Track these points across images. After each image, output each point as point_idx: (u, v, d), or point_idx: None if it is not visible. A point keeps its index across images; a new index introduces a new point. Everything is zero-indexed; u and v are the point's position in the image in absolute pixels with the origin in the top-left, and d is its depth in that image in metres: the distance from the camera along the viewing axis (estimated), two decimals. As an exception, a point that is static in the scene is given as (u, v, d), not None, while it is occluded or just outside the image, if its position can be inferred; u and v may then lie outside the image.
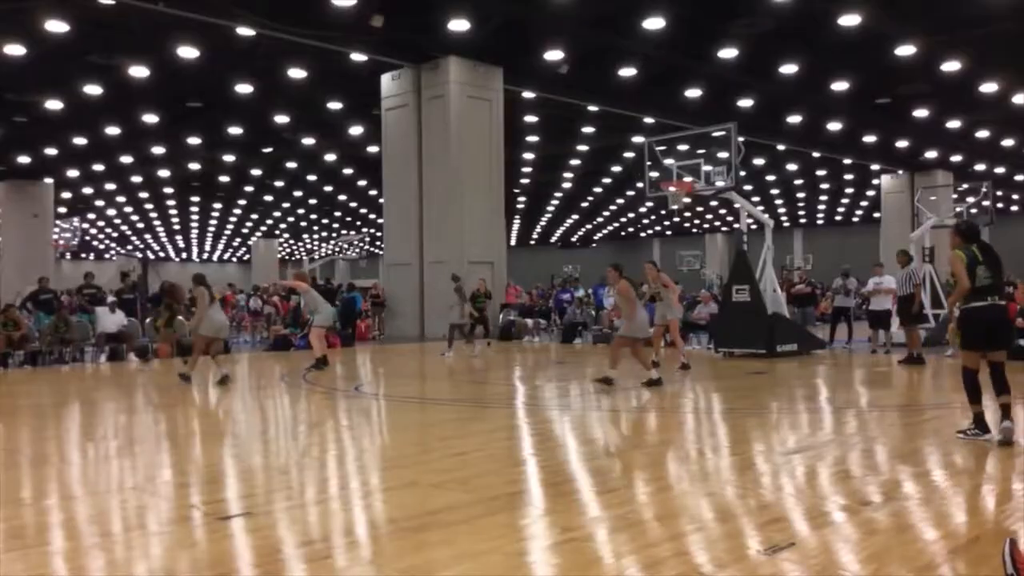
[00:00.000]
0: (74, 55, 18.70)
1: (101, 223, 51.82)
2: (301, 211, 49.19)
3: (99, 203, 43.50)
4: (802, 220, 57.34)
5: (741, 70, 21.29)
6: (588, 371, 12.67)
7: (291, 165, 33.64)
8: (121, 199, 42.41)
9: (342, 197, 43.26)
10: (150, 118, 24.60)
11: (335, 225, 56.70)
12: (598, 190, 42.39)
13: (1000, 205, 42.97)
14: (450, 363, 14.80)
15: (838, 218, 55.79)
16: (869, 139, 30.43)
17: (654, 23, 17.78)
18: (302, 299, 15.12)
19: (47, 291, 17.88)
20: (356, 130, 26.74)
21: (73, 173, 33.55)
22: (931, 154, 33.14)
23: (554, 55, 20.01)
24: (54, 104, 22.85)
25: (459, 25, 18.23)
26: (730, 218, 51.05)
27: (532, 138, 28.93)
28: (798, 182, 41.02)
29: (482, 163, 20.78)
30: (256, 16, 16.90)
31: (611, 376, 10.03)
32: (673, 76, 22.00)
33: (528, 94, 22.81)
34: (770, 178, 39.69)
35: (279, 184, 38.37)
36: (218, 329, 11.72)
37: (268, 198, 43.22)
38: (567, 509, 4.67)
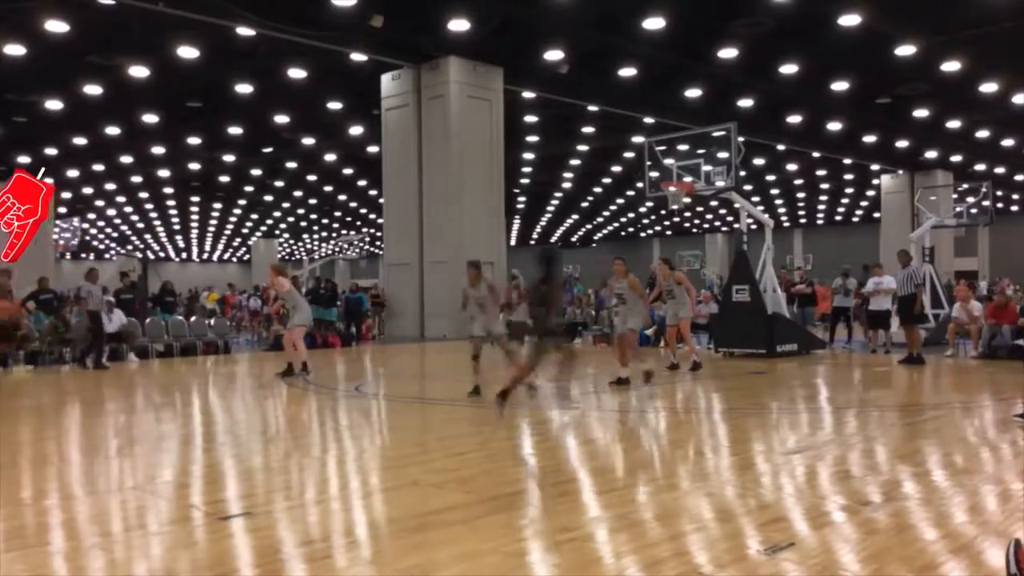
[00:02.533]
0: (74, 55, 18.70)
1: (101, 223, 51.82)
2: (301, 211, 49.18)
3: (99, 203, 43.51)
4: (802, 220, 57.35)
5: (741, 70, 21.29)
6: (588, 371, 12.66)
7: (291, 165, 33.64)
8: (121, 199, 42.42)
9: (342, 197, 43.26)
10: (150, 118, 24.59)
11: (335, 225, 56.69)
12: (598, 190, 42.38)
13: (1000, 205, 42.97)
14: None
15: (838, 218, 55.79)
16: (869, 139, 30.44)
17: (654, 23, 17.77)
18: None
19: (47, 291, 17.90)
20: (356, 130, 26.74)
21: (73, 173, 33.55)
22: (931, 154, 33.15)
23: (554, 55, 20.01)
24: (54, 104, 22.84)
25: (459, 25, 18.22)
26: (730, 218, 51.05)
27: (532, 138, 28.92)
28: (798, 182, 41.03)
29: (482, 163, 20.77)
30: (256, 16, 16.90)
31: (624, 375, 10.12)
32: (673, 76, 21.99)
33: (528, 94, 22.81)
34: (770, 178, 39.69)
35: (279, 184, 38.36)
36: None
37: (268, 198, 43.21)
38: (567, 509, 4.66)
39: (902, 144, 31.27)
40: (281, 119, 25.26)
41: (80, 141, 27.53)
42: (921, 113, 26.32)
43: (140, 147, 28.93)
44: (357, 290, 23.25)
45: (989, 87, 23.01)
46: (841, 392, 10.57)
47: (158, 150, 29.47)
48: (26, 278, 31.53)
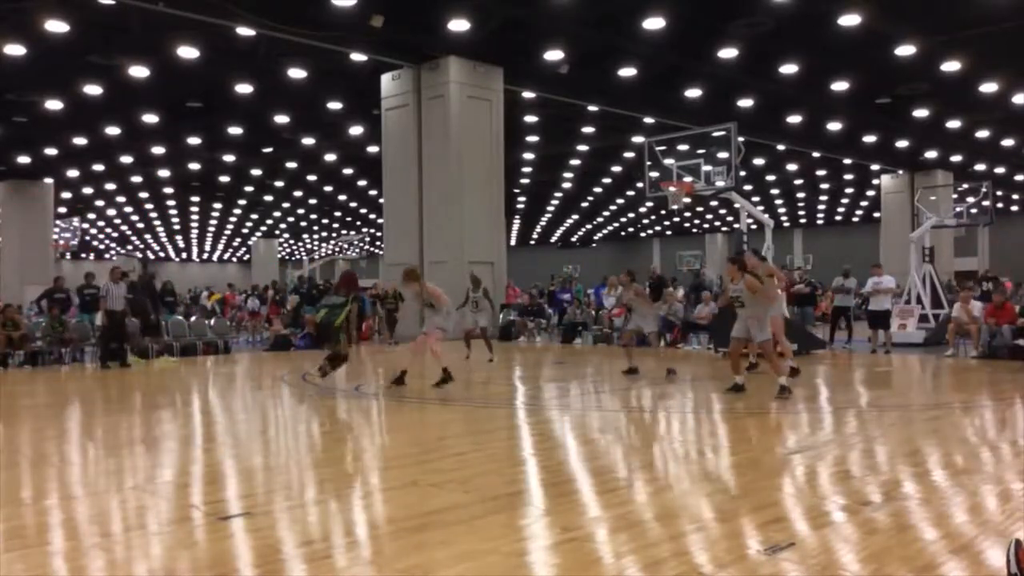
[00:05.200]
0: (74, 55, 18.70)
1: (101, 223, 51.84)
2: (301, 211, 49.20)
3: (99, 203, 43.52)
4: (802, 220, 57.35)
5: (741, 70, 21.28)
6: (588, 371, 12.68)
7: (291, 165, 33.64)
8: (121, 199, 42.42)
9: (342, 197, 43.26)
10: (150, 118, 24.59)
11: (335, 225, 56.70)
12: (598, 190, 42.38)
13: (1000, 205, 42.97)
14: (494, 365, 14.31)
15: (838, 218, 55.79)
16: (869, 139, 30.42)
17: (654, 23, 17.77)
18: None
19: (62, 290, 18.01)
20: (356, 130, 26.73)
21: (73, 173, 33.56)
22: (931, 154, 33.14)
23: (554, 55, 20.00)
24: (54, 104, 22.83)
25: (459, 25, 18.22)
26: (730, 218, 51.05)
27: (532, 138, 28.91)
28: (798, 182, 41.02)
29: (482, 163, 20.77)
30: (256, 16, 16.89)
31: (740, 382, 9.67)
32: (673, 76, 21.98)
33: (528, 94, 22.79)
34: (770, 178, 39.69)
35: (279, 184, 38.37)
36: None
37: (268, 198, 43.23)
38: (567, 509, 4.67)
39: (902, 144, 31.26)
40: (281, 119, 25.25)
41: (80, 141, 27.52)
42: (921, 113, 26.31)
43: (140, 147, 28.92)
44: (361, 291, 23.21)
45: (989, 87, 23.00)
46: (841, 392, 10.57)
47: (158, 150, 29.46)
48: (26, 278, 31.67)
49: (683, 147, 15.98)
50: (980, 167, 35.49)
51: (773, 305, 10.50)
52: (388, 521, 4.45)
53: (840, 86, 23.00)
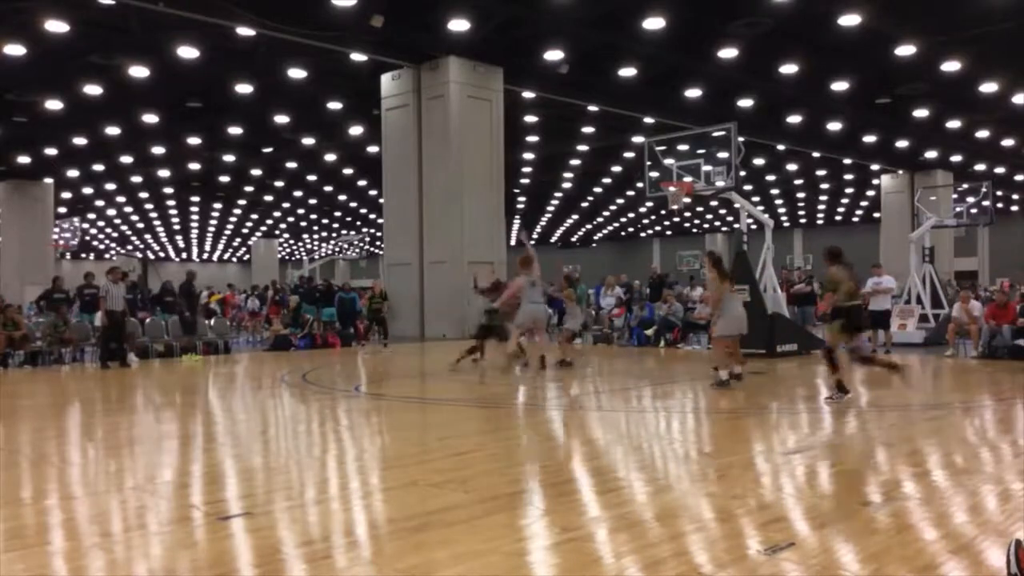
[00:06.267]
0: (74, 55, 18.70)
1: (101, 223, 51.84)
2: (301, 211, 49.22)
3: (99, 203, 43.52)
4: (802, 220, 57.36)
5: (741, 70, 21.29)
6: (587, 371, 12.68)
7: (291, 165, 33.64)
8: (121, 199, 42.43)
9: (342, 197, 43.28)
10: (150, 118, 24.60)
11: (335, 225, 56.72)
12: (598, 190, 42.39)
13: (1000, 205, 42.97)
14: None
15: (838, 218, 55.81)
16: (869, 139, 30.43)
17: (654, 23, 17.78)
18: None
19: (61, 290, 18.02)
20: (356, 130, 26.74)
21: (73, 173, 33.57)
22: (931, 154, 33.15)
23: (554, 55, 20.01)
24: (54, 104, 22.84)
25: (459, 25, 18.23)
26: (730, 218, 51.06)
27: (532, 138, 28.92)
28: (798, 182, 41.03)
29: (482, 163, 20.77)
30: (256, 16, 16.90)
31: (723, 376, 9.93)
32: (673, 76, 21.99)
33: (528, 94, 22.80)
34: (770, 178, 39.69)
35: (279, 184, 38.37)
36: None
37: (268, 198, 43.24)
38: (567, 509, 4.66)
39: (902, 144, 31.27)
40: (281, 119, 25.26)
41: (80, 141, 27.53)
42: (921, 113, 26.32)
43: (140, 147, 28.93)
44: (350, 290, 23.18)
45: (989, 87, 23.01)
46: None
47: (158, 150, 29.47)
48: (26, 278, 31.67)
49: (683, 147, 15.98)
50: (980, 167, 35.51)
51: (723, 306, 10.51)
52: (388, 521, 4.45)
53: (840, 86, 23.00)
